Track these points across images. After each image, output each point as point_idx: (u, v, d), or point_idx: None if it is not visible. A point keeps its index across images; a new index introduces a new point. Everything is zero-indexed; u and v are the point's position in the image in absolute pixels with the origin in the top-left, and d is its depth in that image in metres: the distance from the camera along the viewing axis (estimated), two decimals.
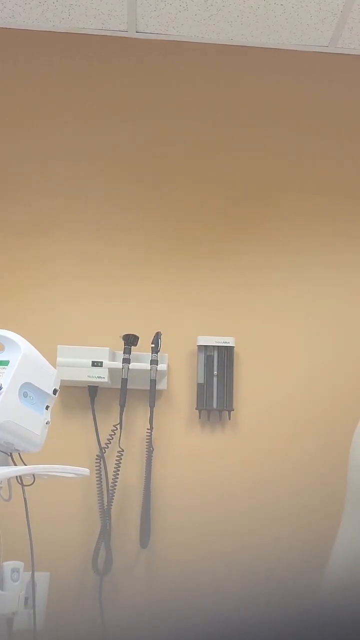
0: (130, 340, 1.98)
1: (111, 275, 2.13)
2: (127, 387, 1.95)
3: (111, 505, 1.90)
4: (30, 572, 1.50)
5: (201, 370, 2.03)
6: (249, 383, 2.07)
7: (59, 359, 1.93)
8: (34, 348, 1.39)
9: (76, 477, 1.60)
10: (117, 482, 1.90)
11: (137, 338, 1.98)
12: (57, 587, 1.83)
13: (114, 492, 1.90)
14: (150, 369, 1.96)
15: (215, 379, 2.03)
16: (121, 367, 1.96)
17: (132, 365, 1.97)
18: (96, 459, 1.94)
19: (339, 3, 2.15)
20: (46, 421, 1.40)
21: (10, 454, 1.38)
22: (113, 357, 1.99)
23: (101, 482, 1.91)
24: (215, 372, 2.03)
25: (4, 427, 1.29)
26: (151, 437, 1.94)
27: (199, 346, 2.04)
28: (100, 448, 1.95)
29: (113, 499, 1.90)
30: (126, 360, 1.96)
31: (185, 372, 2.06)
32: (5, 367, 1.33)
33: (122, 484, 1.93)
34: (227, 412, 2.03)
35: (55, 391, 1.43)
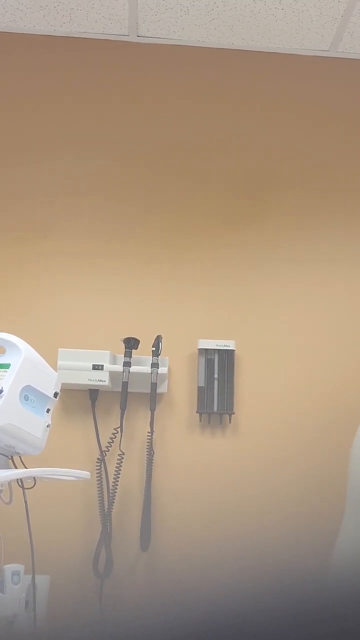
0: (131, 344, 1.98)
1: (112, 279, 2.13)
2: (128, 390, 1.96)
3: (112, 508, 1.90)
4: (31, 575, 1.51)
5: (202, 374, 2.03)
6: (250, 386, 2.07)
7: (60, 362, 1.93)
8: (34, 351, 1.40)
9: (77, 480, 1.60)
10: (117, 485, 1.90)
11: (138, 341, 1.99)
12: (57, 590, 1.84)
13: (115, 495, 1.90)
14: (151, 372, 1.97)
15: (215, 383, 2.03)
16: (122, 370, 1.96)
17: (133, 368, 1.97)
18: (97, 462, 1.94)
19: (340, 8, 2.15)
20: (47, 424, 1.40)
21: (11, 457, 1.38)
22: (114, 361, 1.99)
23: (102, 485, 1.92)
24: (215, 376, 2.03)
25: (4, 430, 1.30)
26: (152, 441, 1.94)
27: (200, 349, 2.04)
28: (101, 451, 1.95)
29: (113, 502, 1.91)
30: (127, 364, 1.96)
31: (186, 376, 2.06)
32: (7, 370, 1.34)
33: (123, 487, 1.93)
34: (227, 415, 2.03)
35: (56, 394, 1.43)
